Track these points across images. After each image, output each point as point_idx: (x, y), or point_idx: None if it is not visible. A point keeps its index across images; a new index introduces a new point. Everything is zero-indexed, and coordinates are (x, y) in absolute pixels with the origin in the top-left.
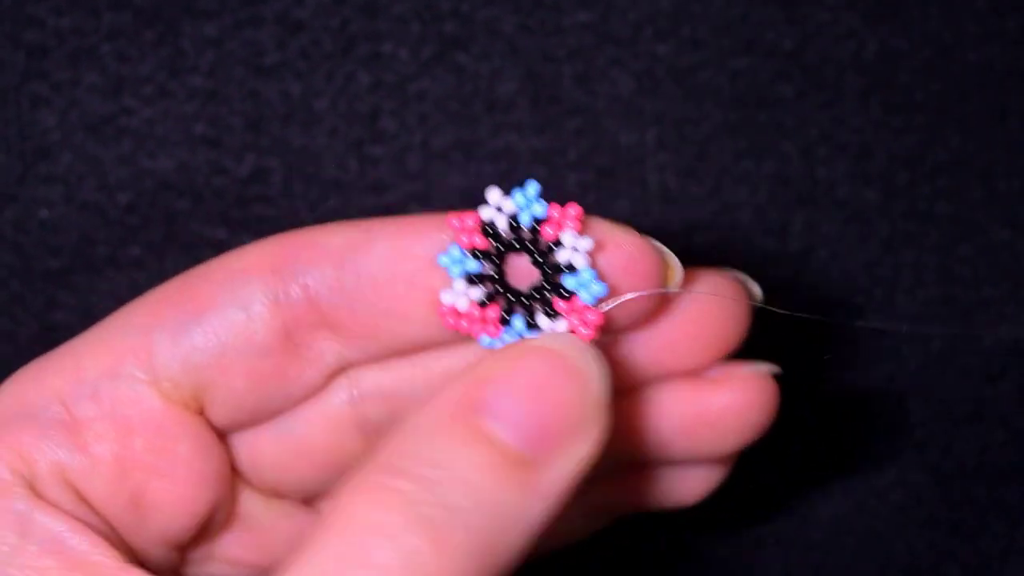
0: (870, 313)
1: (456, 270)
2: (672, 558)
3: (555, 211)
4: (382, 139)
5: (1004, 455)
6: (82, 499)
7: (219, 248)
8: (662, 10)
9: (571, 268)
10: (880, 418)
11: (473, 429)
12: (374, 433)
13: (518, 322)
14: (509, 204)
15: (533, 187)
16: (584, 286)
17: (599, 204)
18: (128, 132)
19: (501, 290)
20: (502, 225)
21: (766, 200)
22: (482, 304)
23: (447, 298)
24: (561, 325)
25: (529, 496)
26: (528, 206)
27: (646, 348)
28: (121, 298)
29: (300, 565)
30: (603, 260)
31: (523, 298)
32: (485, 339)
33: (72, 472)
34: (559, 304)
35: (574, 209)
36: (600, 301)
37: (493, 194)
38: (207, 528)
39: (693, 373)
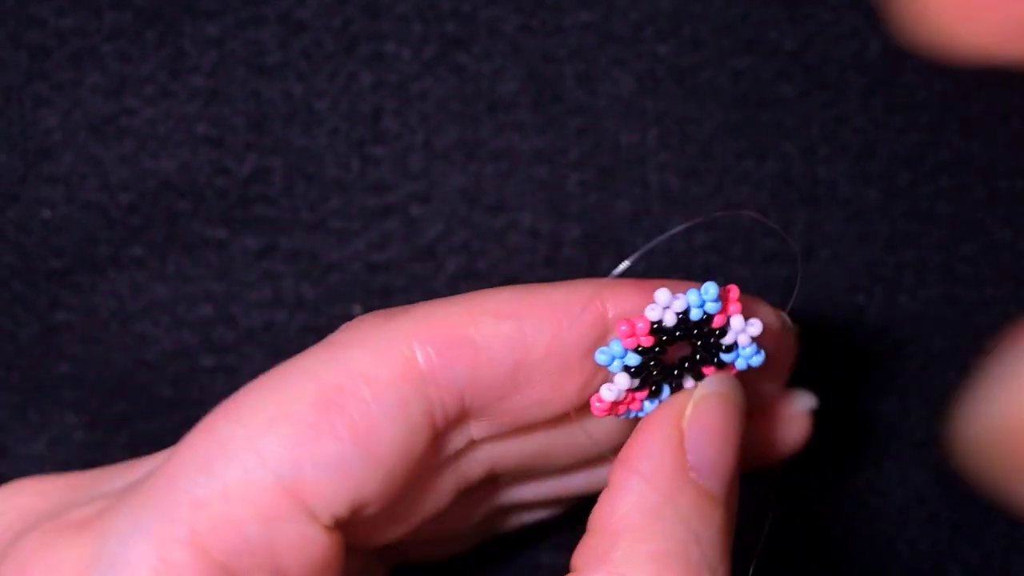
0: (872, 313)
1: (617, 365)
2: None
3: (727, 304)
4: (384, 139)
5: None
6: None
7: (221, 248)
8: (663, 10)
9: (732, 347)
10: (882, 417)
11: (702, 492)
12: (464, 487)
13: (665, 391)
14: (679, 304)
15: (713, 289)
16: (745, 359)
17: (600, 204)
18: (130, 132)
19: (654, 371)
20: (669, 321)
21: (768, 200)
22: (633, 389)
23: (608, 395)
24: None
25: (730, 532)
26: (702, 304)
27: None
28: (123, 298)
29: None
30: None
31: (674, 369)
32: (630, 413)
33: None
34: (707, 370)
35: (734, 292)
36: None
37: (661, 295)
38: None
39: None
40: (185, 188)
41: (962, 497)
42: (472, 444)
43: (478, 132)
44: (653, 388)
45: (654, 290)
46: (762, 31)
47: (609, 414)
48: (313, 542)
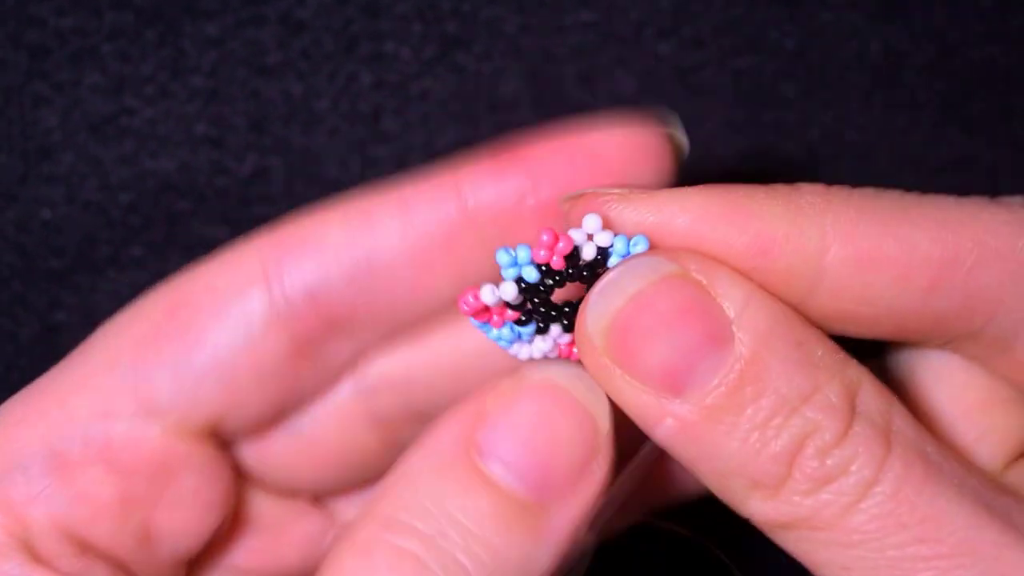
0: None
1: (512, 273)
2: (675, 559)
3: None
4: (384, 139)
5: None
6: (85, 547)
7: (221, 247)
8: (664, 9)
9: (604, 253)
10: None
11: (476, 474)
12: (387, 424)
13: (528, 327)
14: (604, 238)
15: (642, 244)
16: (627, 254)
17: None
18: (130, 132)
19: (538, 306)
20: (587, 255)
21: None
22: (511, 307)
23: (487, 297)
24: (567, 338)
25: (539, 543)
26: (625, 254)
27: None
28: (123, 298)
29: None
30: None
31: (553, 309)
32: (493, 331)
33: (73, 521)
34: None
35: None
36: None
37: (592, 220)
38: (217, 537)
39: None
40: (185, 188)
41: None
42: (363, 356)
43: (478, 132)
44: (522, 321)
45: (513, 175)
46: (763, 31)
47: (472, 316)
48: (149, 442)
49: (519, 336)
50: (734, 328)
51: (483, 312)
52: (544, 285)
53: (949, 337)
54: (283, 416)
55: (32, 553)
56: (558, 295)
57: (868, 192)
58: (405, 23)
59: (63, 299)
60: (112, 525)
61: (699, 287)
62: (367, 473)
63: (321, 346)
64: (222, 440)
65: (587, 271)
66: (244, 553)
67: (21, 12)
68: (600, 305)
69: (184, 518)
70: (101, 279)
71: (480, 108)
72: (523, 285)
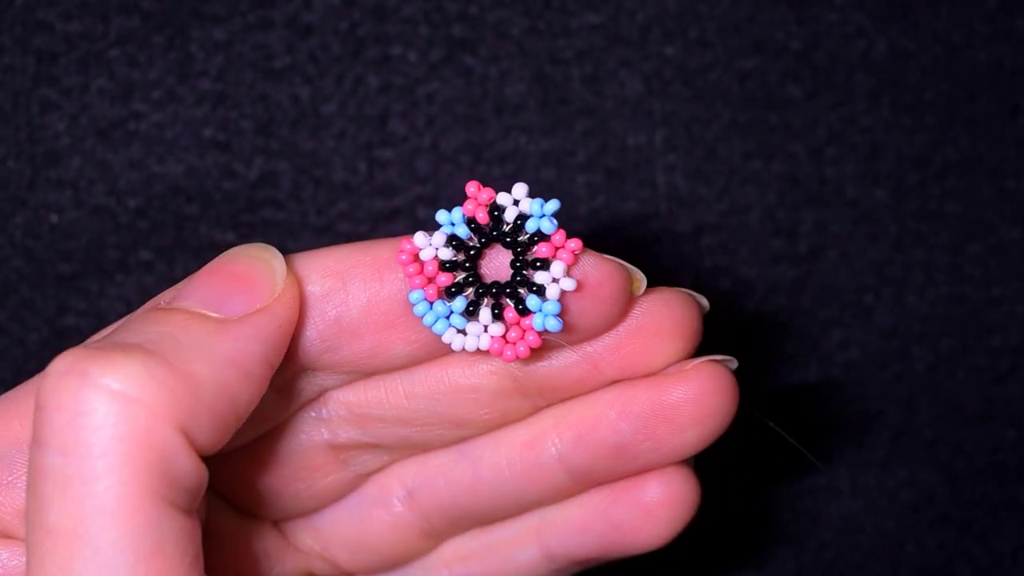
0: (880, 312)
1: (447, 228)
2: (681, 558)
3: (559, 236)
4: (391, 142)
5: (1014, 454)
6: None
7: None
8: (670, 11)
9: (541, 293)
10: (890, 418)
11: (174, 310)
12: (342, 451)
13: (459, 301)
14: (526, 204)
15: (553, 205)
16: (543, 315)
17: (608, 206)
18: (137, 136)
19: (467, 274)
20: (508, 217)
21: (775, 200)
22: (443, 267)
23: (419, 240)
24: (497, 329)
25: (225, 337)
26: (540, 217)
27: (604, 353)
28: (131, 302)
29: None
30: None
31: (481, 287)
32: (416, 295)
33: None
34: (508, 313)
35: (575, 244)
36: (545, 332)
37: (520, 188)
38: None
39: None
40: (193, 192)
41: (971, 497)
42: (326, 393)
43: (485, 135)
44: (452, 291)
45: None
46: (769, 32)
47: (405, 268)
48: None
49: (451, 313)
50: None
51: (417, 269)
52: (472, 243)
53: None
54: (243, 434)
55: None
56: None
57: None
58: (412, 26)
59: (71, 303)
60: None
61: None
62: (322, 496)
63: (290, 381)
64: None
65: (510, 238)
66: (206, 569)
67: (29, 17)
68: None
69: None
70: (109, 283)
71: (487, 111)
72: (456, 242)
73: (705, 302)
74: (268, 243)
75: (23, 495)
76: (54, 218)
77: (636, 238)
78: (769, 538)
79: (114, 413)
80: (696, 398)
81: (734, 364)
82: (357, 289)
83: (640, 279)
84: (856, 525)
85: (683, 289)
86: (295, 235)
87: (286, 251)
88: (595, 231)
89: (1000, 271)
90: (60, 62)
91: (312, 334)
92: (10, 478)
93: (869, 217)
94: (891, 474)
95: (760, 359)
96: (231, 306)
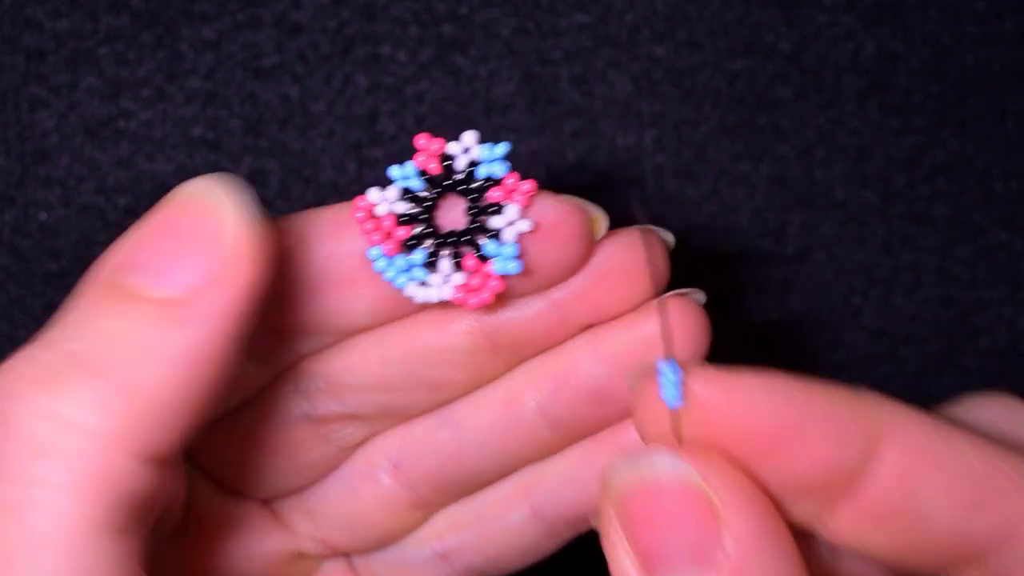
0: (868, 314)
1: (400, 183)
2: None
3: (512, 179)
4: (380, 141)
5: None
6: None
7: None
8: (659, 12)
9: (497, 237)
10: None
11: (118, 289)
12: (322, 423)
13: (418, 254)
14: (476, 151)
15: (502, 148)
16: (503, 259)
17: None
18: (126, 135)
19: (424, 226)
20: (459, 166)
21: (764, 202)
22: (399, 221)
23: (373, 195)
24: (458, 278)
25: (174, 327)
26: (490, 161)
27: (571, 300)
28: None
29: None
30: (534, 230)
31: (439, 238)
32: (375, 251)
33: None
34: (467, 261)
35: (528, 185)
36: (507, 276)
37: (469, 135)
38: (166, 529)
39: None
40: None
41: None
42: (301, 363)
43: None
44: (411, 243)
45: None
46: (758, 34)
47: (362, 225)
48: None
49: (411, 267)
50: (719, 553)
51: (375, 225)
52: (426, 194)
53: (964, 564)
54: (224, 411)
55: None
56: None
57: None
58: (401, 26)
59: (59, 302)
60: None
61: (707, 504)
62: (308, 473)
63: (261, 347)
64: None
65: (463, 185)
66: (192, 549)
67: (17, 15)
68: (625, 469)
69: None
70: None
71: (476, 110)
72: (409, 196)
73: (671, 237)
74: None
75: None
76: (43, 216)
77: None
78: None
79: (59, 442)
80: (666, 332)
81: (702, 297)
82: (316, 247)
83: (601, 219)
84: None
85: (647, 226)
86: None
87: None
88: None
89: (988, 273)
90: (49, 60)
91: (273, 294)
92: None
93: (858, 219)
94: None
95: (748, 360)
96: (180, 278)
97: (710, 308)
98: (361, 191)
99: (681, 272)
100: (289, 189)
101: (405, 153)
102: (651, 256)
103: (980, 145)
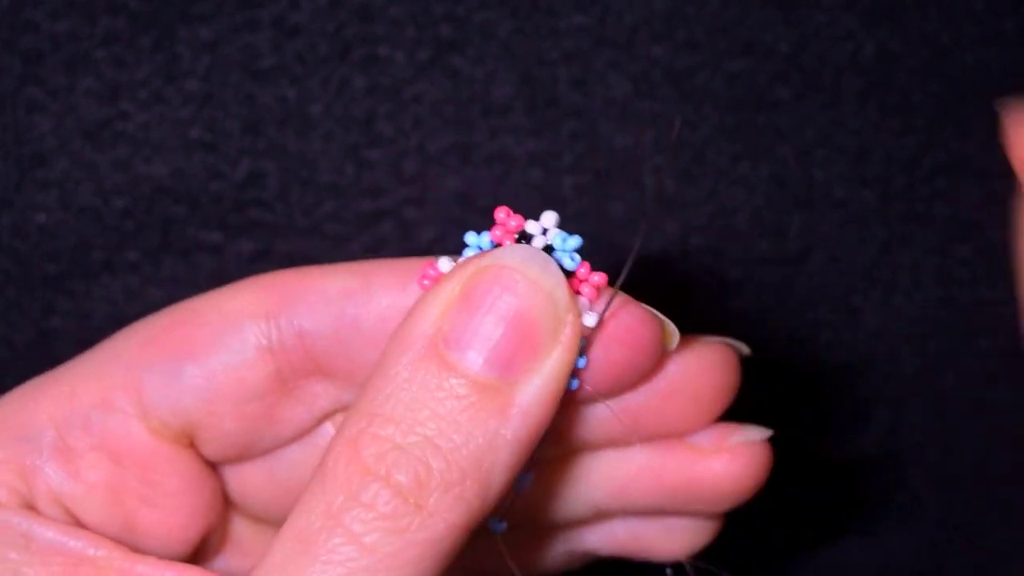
0: (868, 315)
1: (473, 251)
2: None
3: (583, 269)
4: (378, 143)
5: (1004, 456)
6: (77, 522)
7: (215, 252)
8: (658, 12)
9: (548, 249)
10: (879, 420)
11: (444, 365)
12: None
13: None
14: (552, 235)
15: (574, 241)
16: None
17: (595, 207)
18: (124, 137)
19: None
20: (536, 245)
21: (763, 202)
22: None
23: (443, 265)
24: None
25: (506, 419)
26: (564, 252)
27: (637, 409)
28: (117, 303)
29: (295, 516)
30: (604, 332)
31: None
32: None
33: (66, 497)
34: None
35: (599, 278)
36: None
37: (547, 217)
38: (201, 550)
39: (684, 434)
40: (179, 193)
41: (961, 499)
42: (342, 408)
43: (472, 136)
44: None
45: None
46: (757, 34)
47: (426, 280)
48: (139, 436)
49: None
50: None
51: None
52: None
53: None
54: (261, 446)
55: (34, 511)
56: None
57: None
58: (398, 27)
59: (58, 304)
60: (101, 509)
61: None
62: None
63: (304, 386)
64: (206, 459)
65: None
66: (227, 567)
67: (15, 17)
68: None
69: (168, 521)
70: (95, 284)
71: (473, 112)
72: None
73: (745, 349)
74: (254, 244)
75: (52, 478)
76: (40, 219)
77: (623, 241)
78: (766, 540)
79: None
80: (736, 476)
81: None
82: (380, 295)
83: (673, 332)
84: (845, 526)
85: (722, 339)
86: (282, 236)
87: (275, 251)
88: (582, 233)
89: (988, 273)
90: (46, 62)
91: (328, 329)
92: (38, 462)
93: (857, 219)
94: (879, 476)
95: (747, 361)
96: (516, 363)
97: (710, 308)
98: (361, 191)
99: (680, 274)
100: (287, 191)
101: (403, 155)
102: (726, 380)
103: (979, 145)
